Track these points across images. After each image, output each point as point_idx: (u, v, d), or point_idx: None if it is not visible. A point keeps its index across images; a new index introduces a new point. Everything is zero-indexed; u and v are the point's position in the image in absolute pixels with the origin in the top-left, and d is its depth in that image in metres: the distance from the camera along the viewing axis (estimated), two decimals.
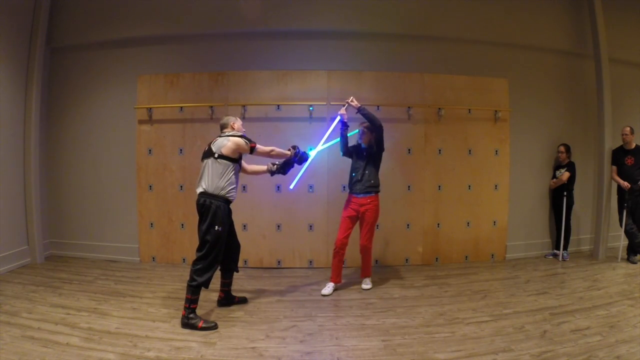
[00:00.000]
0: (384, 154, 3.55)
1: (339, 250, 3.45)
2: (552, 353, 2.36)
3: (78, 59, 4.43)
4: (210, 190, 2.76)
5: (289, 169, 3.12)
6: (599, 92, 4.56)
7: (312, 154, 3.18)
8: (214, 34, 4.24)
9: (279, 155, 3.02)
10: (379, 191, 3.49)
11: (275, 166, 3.13)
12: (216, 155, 2.74)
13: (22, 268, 4.04)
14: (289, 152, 3.04)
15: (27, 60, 4.17)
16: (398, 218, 4.33)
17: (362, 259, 3.58)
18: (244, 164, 3.02)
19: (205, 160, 2.81)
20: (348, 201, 3.53)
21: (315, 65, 4.24)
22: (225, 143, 2.76)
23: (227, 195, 2.80)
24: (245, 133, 2.96)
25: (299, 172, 3.46)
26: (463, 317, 2.91)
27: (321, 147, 3.35)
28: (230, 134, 2.83)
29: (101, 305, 3.08)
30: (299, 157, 3.06)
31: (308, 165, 3.42)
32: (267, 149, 2.92)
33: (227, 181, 2.78)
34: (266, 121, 4.17)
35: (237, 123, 2.94)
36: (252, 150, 2.82)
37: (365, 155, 3.48)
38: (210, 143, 2.85)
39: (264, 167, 3.18)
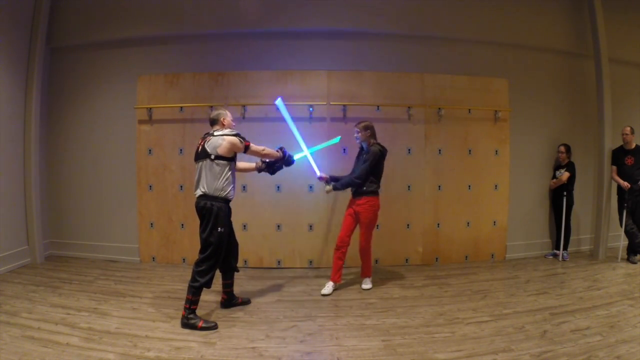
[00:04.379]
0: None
1: (339, 247, 3.46)
2: (552, 353, 2.36)
3: (78, 59, 4.43)
4: (210, 192, 2.75)
5: (277, 170, 3.18)
6: (599, 92, 4.56)
7: (297, 157, 3.27)
8: (214, 34, 4.24)
9: (269, 155, 3.04)
10: (375, 194, 3.45)
11: (264, 164, 3.17)
12: (212, 157, 2.73)
13: (22, 268, 4.04)
14: (277, 153, 3.06)
15: (27, 60, 4.17)
16: (398, 218, 4.33)
17: (361, 259, 3.59)
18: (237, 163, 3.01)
19: (200, 162, 2.79)
20: (350, 200, 3.55)
21: (315, 65, 4.24)
22: (221, 143, 2.73)
23: (227, 195, 2.80)
24: (235, 127, 2.96)
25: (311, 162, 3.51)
26: (463, 317, 2.91)
27: (304, 153, 3.42)
28: (224, 132, 2.79)
29: (101, 305, 3.08)
30: (286, 159, 3.11)
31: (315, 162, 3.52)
32: (260, 148, 2.93)
33: (225, 181, 2.77)
34: (266, 121, 4.17)
35: (228, 118, 2.91)
36: (247, 149, 2.82)
37: (361, 159, 3.49)
38: (203, 143, 2.81)
39: (253, 165, 3.20)
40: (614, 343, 2.47)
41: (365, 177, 3.39)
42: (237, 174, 2.97)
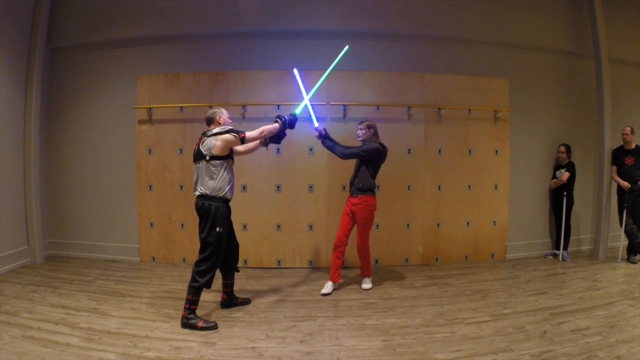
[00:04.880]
0: None
1: (337, 247, 3.46)
2: (552, 353, 2.36)
3: (78, 59, 4.43)
4: (208, 192, 2.75)
5: (281, 138, 3.06)
6: (599, 92, 4.56)
7: (298, 111, 3.14)
8: (214, 34, 4.24)
9: (270, 133, 2.94)
10: (372, 193, 3.45)
11: (267, 139, 3.05)
12: (207, 158, 2.73)
13: (22, 268, 4.04)
14: (277, 124, 2.96)
15: (27, 60, 4.17)
16: (398, 218, 4.33)
17: (359, 259, 3.59)
18: (235, 147, 2.93)
19: (197, 163, 2.79)
20: (347, 200, 3.55)
21: (315, 65, 4.23)
22: (214, 143, 2.72)
23: (225, 194, 2.80)
24: (230, 123, 2.90)
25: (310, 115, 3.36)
26: (463, 317, 2.92)
27: (304, 103, 3.28)
28: (217, 131, 2.76)
29: (101, 305, 3.08)
30: (289, 124, 3.00)
31: (315, 117, 3.39)
32: (257, 132, 2.86)
33: (222, 181, 2.77)
34: (266, 121, 4.12)
35: (223, 116, 2.87)
36: (243, 140, 2.77)
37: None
38: (199, 143, 2.80)
39: (257, 142, 3.09)
40: (614, 343, 2.47)
41: (350, 156, 3.39)
42: (237, 174, 2.95)
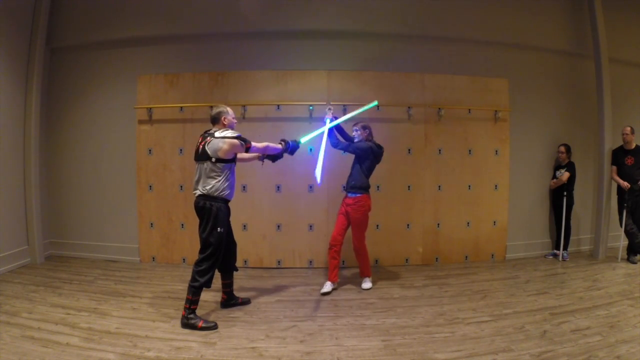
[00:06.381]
0: (385, 154, 3.55)
1: (332, 247, 3.46)
2: (552, 353, 2.36)
3: (78, 59, 4.43)
4: (209, 192, 2.74)
5: (277, 158, 3.18)
6: (599, 92, 4.56)
7: (303, 140, 3.23)
8: (214, 34, 4.24)
9: (272, 151, 3.06)
10: (366, 192, 3.46)
11: (265, 155, 3.14)
12: (213, 160, 2.72)
13: (22, 268, 4.04)
14: (280, 146, 3.07)
15: (27, 60, 4.17)
16: (398, 218, 4.33)
17: (357, 260, 3.60)
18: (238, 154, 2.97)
19: (201, 163, 2.78)
20: (343, 199, 3.57)
21: (315, 65, 4.24)
22: (221, 146, 2.71)
23: (226, 195, 2.80)
24: (235, 124, 2.93)
25: (318, 165, 3.27)
26: (463, 317, 2.92)
27: (311, 138, 3.33)
28: (224, 134, 2.75)
29: (101, 305, 3.08)
30: (290, 150, 3.12)
31: (324, 157, 3.35)
32: (262, 146, 2.94)
33: (225, 182, 2.77)
34: (266, 121, 4.17)
35: (229, 117, 2.87)
36: (248, 150, 2.82)
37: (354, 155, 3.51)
38: (203, 143, 2.77)
39: (256, 155, 3.14)
40: (614, 343, 2.47)
41: (345, 148, 3.44)
42: (237, 174, 2.95)
